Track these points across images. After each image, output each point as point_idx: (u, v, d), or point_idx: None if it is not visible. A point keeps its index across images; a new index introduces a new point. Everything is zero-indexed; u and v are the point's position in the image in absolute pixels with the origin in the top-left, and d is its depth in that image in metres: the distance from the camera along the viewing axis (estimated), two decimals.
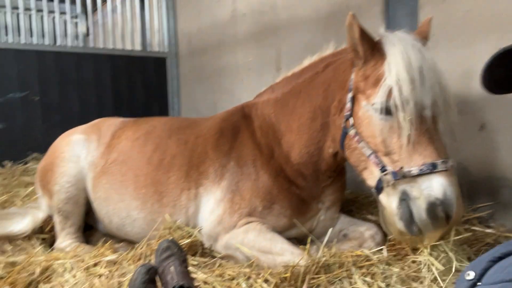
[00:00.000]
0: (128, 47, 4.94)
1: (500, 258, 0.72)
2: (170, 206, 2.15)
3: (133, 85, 4.71)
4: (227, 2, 3.70)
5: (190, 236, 1.98)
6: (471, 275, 0.74)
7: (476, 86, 1.99)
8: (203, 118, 2.56)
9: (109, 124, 2.60)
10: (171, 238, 1.89)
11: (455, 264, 1.54)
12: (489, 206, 1.97)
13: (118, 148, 2.39)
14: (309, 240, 1.84)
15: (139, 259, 1.87)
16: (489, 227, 1.90)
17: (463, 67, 2.02)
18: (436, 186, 1.40)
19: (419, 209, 1.43)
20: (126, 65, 4.68)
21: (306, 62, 2.00)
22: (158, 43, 5.01)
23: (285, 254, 1.78)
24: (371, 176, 1.62)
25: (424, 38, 1.66)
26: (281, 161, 1.98)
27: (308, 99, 1.90)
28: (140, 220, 2.21)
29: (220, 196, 2.02)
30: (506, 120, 1.90)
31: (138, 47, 5.01)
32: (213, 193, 2.05)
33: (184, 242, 1.91)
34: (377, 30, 1.68)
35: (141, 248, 1.94)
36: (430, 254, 1.58)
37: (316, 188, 1.99)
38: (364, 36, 1.57)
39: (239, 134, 2.13)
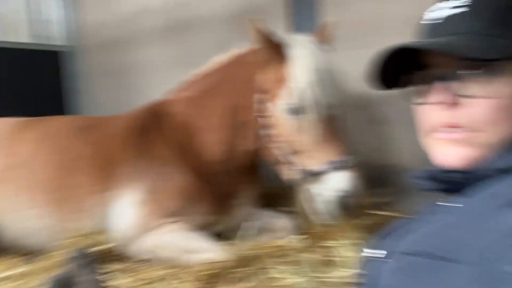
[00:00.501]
0: (18, 38, 4.39)
1: (399, 235, 0.80)
2: (78, 212, 2.00)
3: (24, 82, 4.20)
4: None
5: (101, 243, 1.87)
6: (375, 253, 0.82)
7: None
8: (111, 117, 2.42)
9: (1, 125, 2.31)
10: (80, 246, 1.76)
11: (359, 246, 1.70)
12: (386, 192, 2.20)
13: (14, 151, 2.15)
14: (228, 236, 1.87)
15: (47, 270, 1.71)
16: (387, 211, 2.12)
17: (359, 67, 2.20)
18: (340, 180, 1.56)
19: (327, 202, 1.58)
20: (14, 59, 4.16)
21: (216, 60, 2.02)
22: (54, 35, 4.54)
23: (206, 252, 1.78)
24: (285, 173, 1.73)
25: (324, 40, 1.79)
26: (197, 160, 1.98)
27: (220, 98, 1.91)
28: (45, 230, 2.02)
29: (135, 198, 1.95)
30: (395, 114, 2.14)
31: (29, 38, 4.48)
32: (127, 195, 1.97)
33: (95, 249, 1.80)
34: (282, 31, 1.76)
35: (48, 260, 1.79)
36: (338, 239, 1.72)
37: (233, 185, 2.02)
38: (268, 39, 1.64)
39: (152, 133, 2.07)
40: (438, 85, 0.71)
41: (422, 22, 0.79)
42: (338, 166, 1.56)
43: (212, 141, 1.94)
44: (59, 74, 4.42)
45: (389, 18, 2.10)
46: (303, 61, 1.58)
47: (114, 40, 3.84)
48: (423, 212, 0.82)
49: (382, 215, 2.06)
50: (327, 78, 1.59)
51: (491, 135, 0.68)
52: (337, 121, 1.65)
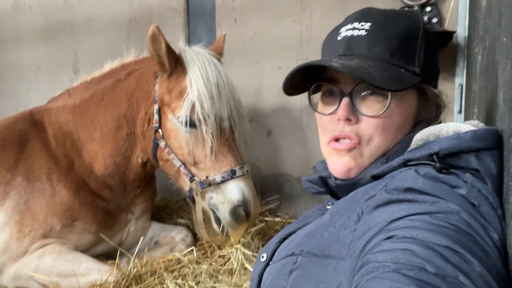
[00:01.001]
0: None
1: (284, 238, 0.88)
2: None
3: None
4: None
5: None
6: (264, 257, 0.87)
7: (264, 97, 2.34)
8: None
9: None
10: None
11: (253, 252, 1.77)
12: (277, 199, 2.34)
13: None
14: (118, 253, 1.77)
15: None
16: (277, 216, 2.26)
17: (254, 81, 2.33)
18: (236, 190, 1.62)
19: (224, 212, 1.61)
20: None
21: (107, 67, 1.91)
22: None
23: (91, 273, 1.67)
24: (184, 185, 1.73)
25: (219, 53, 1.85)
26: (83, 173, 1.84)
27: (111, 107, 1.81)
28: None
29: (4, 220, 1.73)
30: (286, 126, 2.31)
31: None
32: None
33: None
34: (179, 42, 1.76)
35: None
36: (233, 247, 1.77)
37: (124, 198, 1.93)
38: (170, 49, 1.62)
39: (28, 144, 1.86)
40: (337, 98, 0.79)
41: (326, 40, 0.88)
42: (234, 176, 1.61)
43: (104, 153, 1.82)
44: None
45: (281, 36, 2.26)
46: (200, 74, 1.60)
47: None
48: (307, 216, 0.90)
49: (273, 220, 2.19)
50: (224, 91, 1.64)
51: (372, 148, 0.77)
52: (233, 132, 1.71)
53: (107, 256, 1.90)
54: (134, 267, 1.71)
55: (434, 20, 1.97)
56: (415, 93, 0.80)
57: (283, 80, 0.82)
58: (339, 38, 0.82)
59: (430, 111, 0.82)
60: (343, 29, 0.82)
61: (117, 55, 1.94)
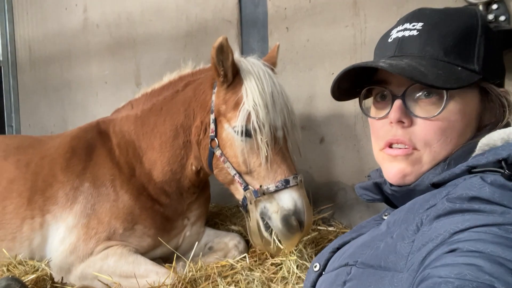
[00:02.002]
0: None
1: (338, 248, 0.86)
2: (8, 240, 1.86)
3: None
4: (78, 11, 3.42)
5: (36, 270, 1.74)
6: (317, 266, 0.86)
7: (317, 104, 2.31)
8: (49, 136, 2.29)
9: None
10: (11, 275, 1.62)
11: (306, 260, 1.74)
12: (330, 208, 2.29)
13: None
14: (174, 257, 1.82)
15: None
16: (331, 225, 2.21)
17: (306, 88, 2.32)
18: (289, 200, 1.61)
19: (277, 222, 1.61)
20: None
21: (166, 79, 2.00)
22: None
23: (149, 275, 1.72)
24: (238, 193, 1.75)
25: (273, 63, 1.86)
26: (143, 180, 1.92)
27: (169, 117, 1.89)
28: None
29: (73, 222, 1.84)
30: (340, 133, 2.26)
31: None
32: (64, 219, 1.86)
33: (29, 278, 1.67)
34: (234, 53, 1.80)
35: None
36: (286, 256, 1.75)
37: (180, 204, 1.99)
38: (234, 61, 1.67)
39: (95, 152, 1.99)
40: (390, 101, 0.76)
41: (377, 44, 0.85)
42: (287, 186, 1.61)
43: (162, 160, 1.90)
44: None
45: (334, 42, 2.23)
46: (256, 84, 1.63)
47: (54, 56, 3.67)
48: (362, 226, 0.87)
49: (327, 230, 2.14)
50: (278, 100, 1.65)
51: (431, 154, 0.73)
52: (286, 141, 1.71)
53: (164, 260, 1.96)
54: (189, 271, 1.75)
55: (502, 18, 1.83)
56: (476, 93, 0.74)
57: (331, 85, 0.80)
58: (389, 40, 0.79)
59: (495, 113, 0.75)
60: (394, 31, 0.79)
61: (175, 66, 2.02)
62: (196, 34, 2.73)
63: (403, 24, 0.79)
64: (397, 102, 0.74)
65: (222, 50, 1.61)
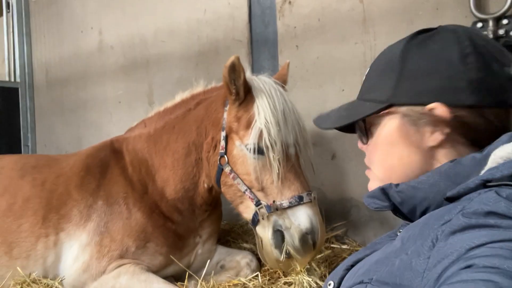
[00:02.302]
0: None
1: (352, 266, 0.84)
2: (22, 258, 1.87)
3: None
4: (93, 33, 3.53)
5: None
6: (331, 284, 0.84)
7: None
8: (64, 155, 2.33)
9: None
10: None
11: (319, 279, 1.71)
12: (344, 225, 2.26)
13: None
14: (187, 276, 1.81)
15: None
16: (344, 243, 2.17)
17: (317, 105, 2.33)
18: (304, 217, 1.60)
19: (292, 238, 1.59)
20: None
21: (178, 98, 2.03)
22: (8, 72, 4.41)
23: None
24: (247, 210, 1.72)
25: (283, 81, 1.88)
26: (156, 197, 1.93)
27: (181, 135, 1.91)
28: None
29: (86, 240, 1.85)
30: (351, 150, 2.25)
31: None
32: (77, 237, 1.87)
33: None
34: (246, 71, 1.82)
35: None
36: (299, 274, 1.73)
37: (192, 222, 1.99)
38: (245, 80, 1.69)
39: (108, 170, 2.01)
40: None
41: None
42: (301, 202, 1.60)
43: (175, 178, 1.91)
44: (15, 111, 4.24)
45: (344, 59, 2.25)
46: (268, 102, 1.64)
47: (70, 77, 3.78)
48: (376, 243, 0.86)
49: (340, 248, 2.10)
50: (290, 118, 1.66)
51: (375, 171, 0.88)
52: (298, 158, 1.71)
53: (176, 278, 1.95)
54: None
55: None
56: (396, 117, 0.81)
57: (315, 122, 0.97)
58: None
59: (431, 130, 0.78)
60: None
61: (187, 85, 2.06)
62: (207, 54, 2.78)
63: None
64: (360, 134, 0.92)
65: (234, 69, 1.63)
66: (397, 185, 0.79)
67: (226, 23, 2.68)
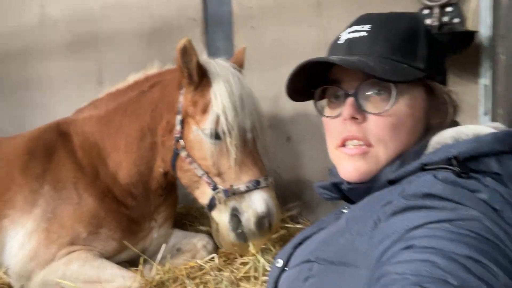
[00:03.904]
0: None
1: (300, 244, 0.86)
2: None
3: None
4: (34, 6, 3.27)
5: None
6: (280, 262, 0.86)
7: (283, 104, 2.33)
8: (5, 138, 2.18)
9: None
10: None
11: (273, 258, 1.76)
12: (298, 205, 2.33)
13: None
14: (141, 260, 1.79)
15: None
16: (298, 223, 2.24)
17: (272, 88, 2.34)
18: (261, 201, 1.63)
19: (248, 221, 1.62)
20: None
21: (131, 78, 1.95)
22: None
23: (115, 280, 1.69)
24: (204, 195, 1.73)
25: (240, 65, 1.86)
26: (108, 182, 1.88)
27: (135, 117, 1.85)
28: None
29: (33, 227, 1.77)
30: (306, 132, 2.30)
31: None
32: (23, 224, 1.79)
33: None
34: (198, 51, 1.78)
35: None
36: (255, 255, 1.76)
37: (147, 207, 1.95)
38: (199, 63, 1.65)
39: (55, 154, 1.91)
40: (343, 101, 0.78)
41: (329, 46, 0.87)
42: (258, 186, 1.62)
43: (129, 162, 1.86)
44: None
45: (299, 42, 2.26)
46: (225, 86, 1.63)
47: (11, 53, 3.49)
48: (323, 221, 0.89)
49: (295, 227, 2.17)
50: (247, 102, 1.66)
51: (384, 150, 0.75)
52: (255, 143, 1.72)
53: (130, 263, 1.92)
54: (157, 274, 1.72)
55: (456, 20, 1.92)
56: (422, 90, 0.78)
57: (286, 83, 0.82)
58: (340, 42, 0.82)
59: (441, 110, 0.80)
60: (343, 34, 0.82)
61: (139, 65, 1.98)
62: (161, 32, 2.68)
63: (352, 27, 0.82)
64: (350, 100, 0.76)
65: (186, 52, 1.59)
66: (349, 183, 0.80)
67: (179, 0, 2.59)
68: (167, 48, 2.65)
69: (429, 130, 0.79)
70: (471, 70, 1.91)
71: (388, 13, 0.83)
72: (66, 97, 3.13)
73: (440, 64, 0.82)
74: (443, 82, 0.82)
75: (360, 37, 0.78)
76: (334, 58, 0.73)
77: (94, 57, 2.97)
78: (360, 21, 0.82)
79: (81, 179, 1.85)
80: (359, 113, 0.75)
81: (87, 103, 2.08)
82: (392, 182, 0.74)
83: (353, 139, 0.77)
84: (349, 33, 0.81)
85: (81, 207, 1.80)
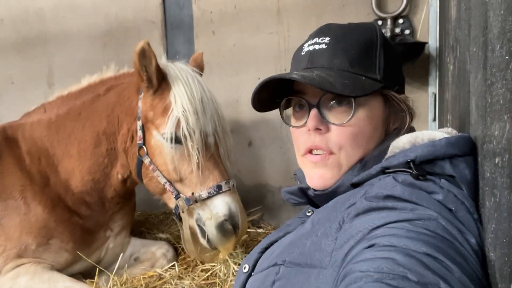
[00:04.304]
0: None
1: (266, 248, 0.87)
2: None
3: None
4: None
5: None
6: (246, 267, 0.86)
7: (244, 109, 2.34)
8: None
9: None
10: None
11: (236, 264, 1.75)
12: (259, 210, 2.34)
13: None
14: (97, 271, 1.71)
15: None
16: (260, 227, 2.25)
17: (233, 93, 2.34)
18: (222, 205, 1.61)
19: (211, 228, 1.60)
20: None
21: (85, 81, 1.87)
22: None
23: None
24: (170, 202, 1.71)
25: (199, 69, 1.84)
26: (59, 190, 1.78)
27: (89, 123, 1.77)
28: None
29: None
30: (267, 137, 2.32)
31: None
32: None
33: None
34: (160, 57, 1.74)
35: None
36: (219, 261, 1.75)
37: (102, 215, 1.87)
38: (159, 66, 1.61)
39: (0, 160, 1.79)
40: (307, 111, 0.81)
41: (293, 56, 0.90)
42: (220, 191, 1.60)
43: (82, 169, 1.77)
44: None
45: (260, 48, 2.28)
46: (185, 90, 1.60)
47: None
48: (288, 225, 0.90)
49: (256, 231, 2.18)
50: (208, 107, 1.64)
51: (346, 157, 0.79)
52: (218, 147, 1.70)
53: (86, 275, 1.84)
54: (113, 285, 1.66)
55: (407, 31, 2.03)
56: (380, 99, 0.82)
57: (251, 97, 0.84)
58: (302, 53, 0.85)
59: (399, 117, 0.84)
60: (306, 45, 0.85)
61: (93, 68, 1.90)
62: (117, 34, 2.60)
63: (313, 39, 0.85)
64: (313, 111, 0.79)
65: (144, 55, 1.55)
66: (315, 190, 0.83)
67: (137, 2, 2.53)
68: (124, 50, 2.57)
69: (388, 135, 0.83)
70: (421, 79, 2.03)
71: (347, 24, 0.86)
72: (12, 99, 2.94)
73: (397, 73, 0.86)
74: (402, 89, 0.86)
75: (320, 49, 0.81)
76: (295, 75, 0.76)
77: (44, 58, 2.82)
78: (320, 32, 0.85)
79: (29, 187, 1.75)
80: (322, 124, 0.79)
81: (36, 106, 1.96)
82: (355, 185, 0.76)
83: (316, 148, 0.81)
84: (309, 45, 0.84)
85: (29, 217, 1.71)
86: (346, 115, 0.77)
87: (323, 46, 0.81)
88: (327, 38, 0.82)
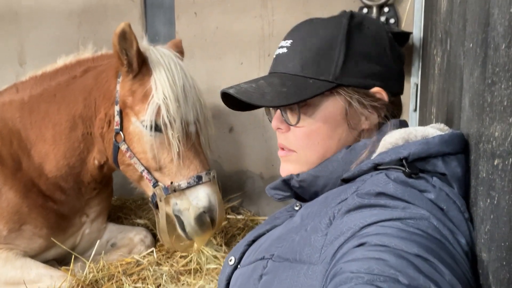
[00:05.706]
0: None
1: (253, 241, 0.86)
2: None
3: None
4: None
5: None
6: (232, 260, 0.85)
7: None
8: None
9: None
10: None
11: (216, 250, 1.75)
12: (239, 196, 2.33)
13: None
14: (73, 258, 1.67)
15: None
16: (239, 213, 2.25)
17: (215, 77, 2.29)
18: (202, 196, 1.59)
19: (189, 219, 1.58)
20: None
21: (61, 61, 1.78)
22: None
23: (42, 280, 1.59)
24: (147, 190, 1.68)
25: (180, 52, 1.78)
26: (33, 174, 1.72)
27: (65, 105, 1.70)
28: None
29: None
30: (248, 123, 2.29)
31: None
32: None
33: None
34: (137, 35, 1.67)
35: None
36: (198, 248, 1.73)
37: (78, 201, 1.83)
38: (139, 50, 1.54)
39: None
40: (272, 113, 0.86)
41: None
42: (200, 182, 1.58)
43: (57, 154, 1.71)
44: None
45: (244, 32, 2.23)
46: (166, 76, 1.54)
47: None
48: (276, 218, 0.89)
49: (236, 218, 2.17)
50: (190, 94, 1.60)
51: (304, 155, 0.81)
52: (199, 137, 1.66)
53: (60, 262, 1.80)
54: (90, 272, 1.63)
55: (392, 20, 2.03)
56: (337, 98, 0.79)
57: (223, 102, 0.85)
58: (274, 56, 0.86)
59: (365, 113, 0.80)
60: (278, 47, 0.85)
61: (68, 46, 1.82)
62: (94, 12, 2.48)
63: (283, 41, 0.85)
64: (277, 112, 0.83)
65: (125, 38, 1.48)
66: (298, 174, 0.82)
67: None
68: (101, 29, 2.46)
69: (362, 131, 0.81)
70: (404, 69, 2.04)
71: (314, 22, 0.84)
72: None
73: (366, 66, 0.80)
74: (373, 84, 0.80)
75: (282, 53, 0.82)
76: (232, 90, 0.79)
77: (14, 35, 2.67)
78: (288, 35, 0.85)
79: (0, 171, 1.69)
80: (283, 124, 0.82)
81: (7, 86, 1.87)
82: (346, 181, 0.75)
83: (280, 147, 0.86)
84: (278, 48, 0.85)
85: (0, 202, 1.65)
86: (296, 117, 0.80)
87: (285, 50, 0.82)
88: (290, 41, 0.82)
